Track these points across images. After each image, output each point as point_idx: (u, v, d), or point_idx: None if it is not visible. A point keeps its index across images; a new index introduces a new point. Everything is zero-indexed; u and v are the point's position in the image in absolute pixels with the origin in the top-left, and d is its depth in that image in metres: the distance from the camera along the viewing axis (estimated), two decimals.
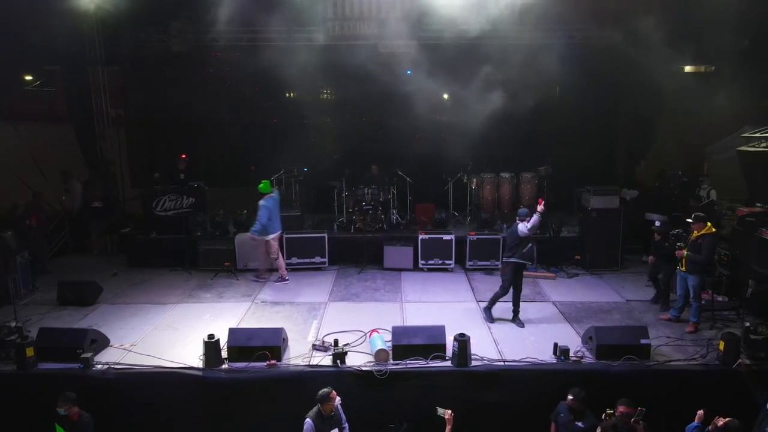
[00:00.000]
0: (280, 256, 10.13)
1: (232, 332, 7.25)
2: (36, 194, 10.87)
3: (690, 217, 7.85)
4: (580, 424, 5.91)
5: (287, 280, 10.11)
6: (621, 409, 5.65)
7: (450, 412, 5.80)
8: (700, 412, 5.59)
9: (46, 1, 10.28)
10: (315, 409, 5.82)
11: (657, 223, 8.79)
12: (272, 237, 9.88)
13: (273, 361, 6.92)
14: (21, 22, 9.99)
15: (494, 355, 7.21)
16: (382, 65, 12.78)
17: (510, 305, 8.31)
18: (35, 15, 10.09)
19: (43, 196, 11.08)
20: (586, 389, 6.60)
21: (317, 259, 10.72)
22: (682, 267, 7.99)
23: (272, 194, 9.96)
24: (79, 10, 10.87)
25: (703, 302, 8.03)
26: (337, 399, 5.86)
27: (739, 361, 6.38)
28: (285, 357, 7.17)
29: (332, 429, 5.80)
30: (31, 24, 10.12)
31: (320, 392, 5.82)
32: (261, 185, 9.92)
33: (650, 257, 9.06)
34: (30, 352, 6.91)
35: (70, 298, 9.03)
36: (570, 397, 5.94)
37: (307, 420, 5.69)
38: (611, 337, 7.16)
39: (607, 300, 9.18)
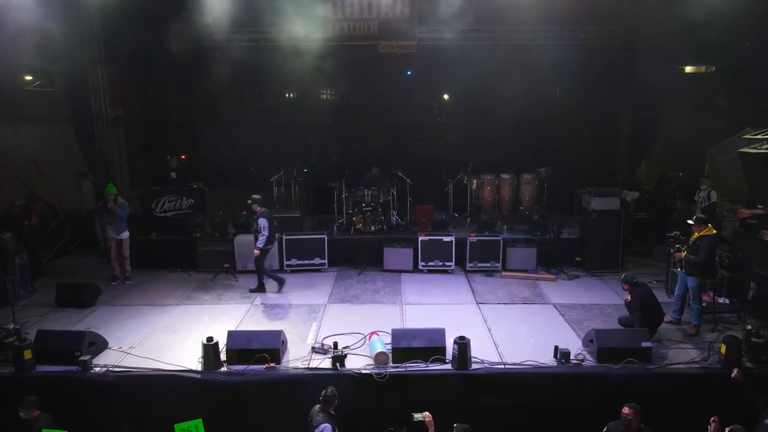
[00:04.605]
0: (114, 260, 10.15)
1: (231, 335, 7.22)
2: (32, 195, 10.83)
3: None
4: None
5: (127, 280, 10.23)
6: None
7: (428, 414, 5.67)
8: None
9: (46, 0, 10.26)
10: (323, 413, 5.72)
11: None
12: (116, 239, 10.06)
13: (272, 364, 6.89)
14: (21, 22, 9.97)
15: (494, 358, 7.18)
16: (382, 65, 12.80)
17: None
18: (35, 15, 10.06)
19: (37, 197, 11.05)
20: (587, 393, 6.59)
21: (317, 261, 10.70)
22: (681, 268, 7.99)
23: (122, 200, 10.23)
24: (80, 10, 10.84)
25: (704, 304, 8.01)
26: None
27: (736, 370, 6.31)
28: (284, 360, 7.14)
29: (336, 427, 5.77)
30: (31, 24, 10.10)
31: (328, 392, 5.79)
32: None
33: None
34: (28, 354, 6.88)
35: (69, 300, 9.01)
36: None
37: (327, 425, 5.59)
38: (612, 340, 7.12)
39: (608, 302, 9.13)
